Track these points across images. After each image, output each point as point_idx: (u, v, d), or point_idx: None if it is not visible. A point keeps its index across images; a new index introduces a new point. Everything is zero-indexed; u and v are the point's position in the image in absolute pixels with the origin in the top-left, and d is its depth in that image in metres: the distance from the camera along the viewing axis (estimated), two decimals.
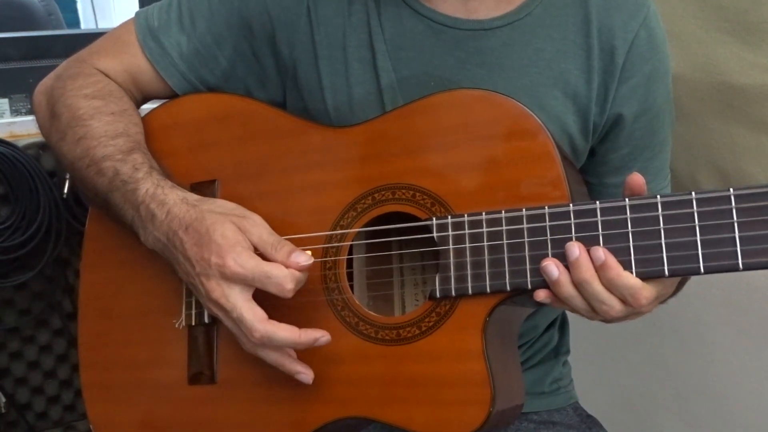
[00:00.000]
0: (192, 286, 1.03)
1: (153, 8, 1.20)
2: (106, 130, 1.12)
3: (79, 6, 3.12)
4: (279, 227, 1.06)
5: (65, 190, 1.80)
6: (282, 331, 0.98)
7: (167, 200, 1.04)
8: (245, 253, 0.98)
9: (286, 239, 1.03)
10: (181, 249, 1.01)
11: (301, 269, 0.98)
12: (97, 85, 1.17)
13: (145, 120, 1.18)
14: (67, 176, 1.81)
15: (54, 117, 1.17)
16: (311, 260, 0.99)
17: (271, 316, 0.99)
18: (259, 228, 1.01)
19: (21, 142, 1.79)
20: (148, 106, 1.23)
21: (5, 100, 1.91)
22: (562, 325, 1.33)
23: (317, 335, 0.99)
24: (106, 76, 1.19)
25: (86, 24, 3.24)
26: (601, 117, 1.12)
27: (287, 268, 0.97)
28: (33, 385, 1.94)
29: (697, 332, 1.82)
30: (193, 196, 1.05)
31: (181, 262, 1.02)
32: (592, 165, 1.18)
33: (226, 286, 0.98)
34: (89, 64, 1.20)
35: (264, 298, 0.98)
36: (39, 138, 1.80)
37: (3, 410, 1.88)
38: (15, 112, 1.91)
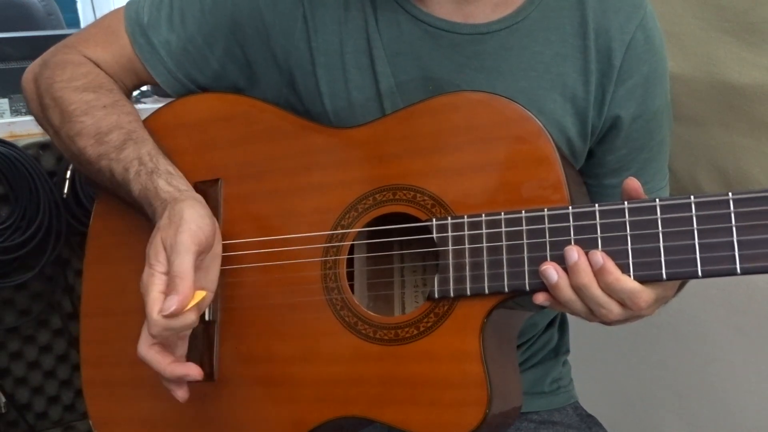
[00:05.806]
0: None
1: (144, 1, 1.18)
2: (100, 127, 1.11)
3: (79, 6, 3.11)
4: (281, 226, 1.07)
5: (65, 190, 1.81)
6: (155, 362, 0.98)
7: (152, 204, 1.05)
8: (152, 277, 0.97)
9: (287, 238, 1.04)
10: None
11: (166, 318, 0.95)
12: (87, 77, 1.16)
13: (149, 120, 1.18)
14: (67, 176, 1.82)
15: (44, 108, 1.17)
16: (171, 310, 0.94)
17: (269, 315, 1.00)
18: (176, 257, 0.97)
19: (21, 142, 1.80)
20: (149, 106, 1.23)
21: (5, 100, 1.91)
22: (562, 324, 1.33)
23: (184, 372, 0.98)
24: (96, 65, 1.18)
25: (86, 24, 3.23)
26: (599, 119, 1.12)
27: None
28: (33, 385, 1.95)
29: (697, 332, 1.82)
30: (164, 201, 1.03)
31: None
32: (591, 166, 1.17)
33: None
34: (78, 52, 1.18)
35: (265, 295, 0.98)
36: (39, 138, 1.81)
37: (3, 410, 1.89)
38: (15, 112, 1.91)
